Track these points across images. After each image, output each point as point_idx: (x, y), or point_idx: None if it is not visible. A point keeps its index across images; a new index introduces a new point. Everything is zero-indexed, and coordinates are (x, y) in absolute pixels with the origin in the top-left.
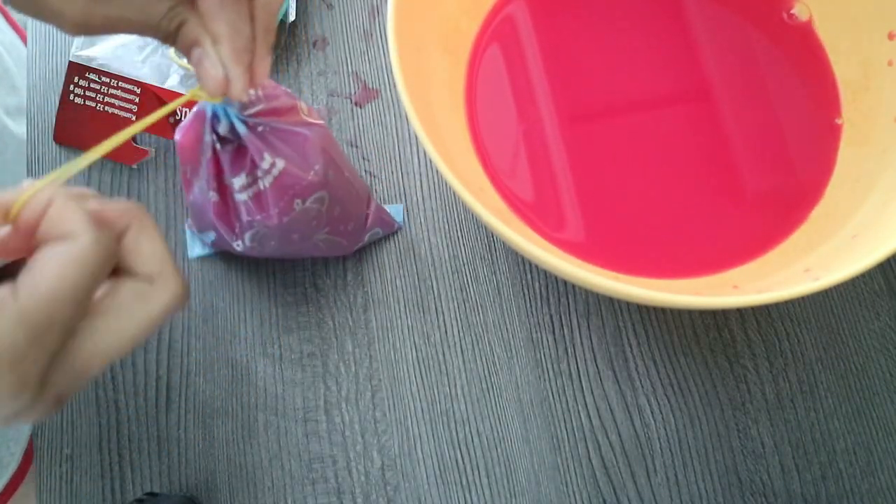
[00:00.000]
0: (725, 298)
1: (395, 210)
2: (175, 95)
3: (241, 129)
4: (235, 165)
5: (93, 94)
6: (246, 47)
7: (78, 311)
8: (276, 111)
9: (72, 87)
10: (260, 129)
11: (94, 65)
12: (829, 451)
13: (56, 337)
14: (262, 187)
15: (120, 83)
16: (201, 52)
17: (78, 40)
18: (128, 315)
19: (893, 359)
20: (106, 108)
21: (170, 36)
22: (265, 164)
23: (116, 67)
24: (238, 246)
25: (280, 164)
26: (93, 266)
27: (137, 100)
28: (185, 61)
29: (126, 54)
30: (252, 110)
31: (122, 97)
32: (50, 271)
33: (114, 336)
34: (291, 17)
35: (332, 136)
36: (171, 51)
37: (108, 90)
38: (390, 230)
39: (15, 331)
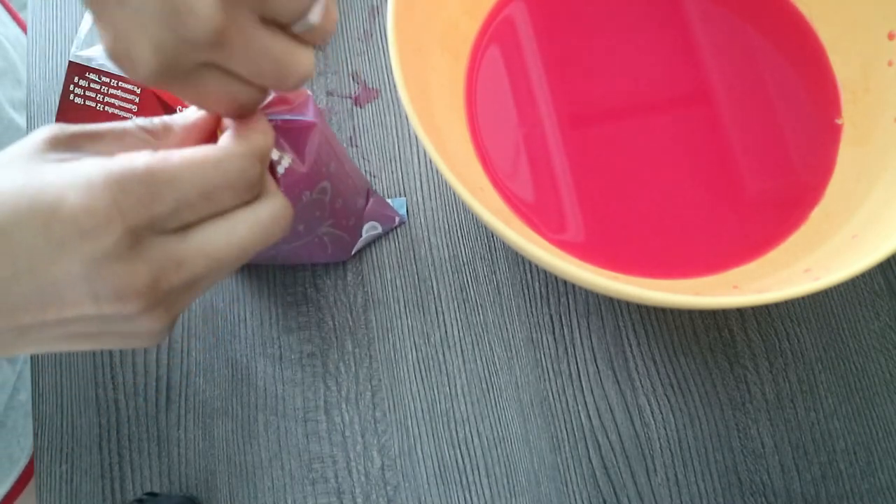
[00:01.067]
0: (725, 298)
1: (399, 203)
2: (172, 97)
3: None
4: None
5: (93, 95)
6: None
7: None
8: (282, 100)
9: (72, 87)
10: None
11: (93, 65)
12: (829, 451)
13: (167, 211)
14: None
15: (120, 83)
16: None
17: (78, 40)
18: (237, 218)
19: (893, 359)
20: (106, 107)
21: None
22: (273, 157)
23: (115, 69)
24: None
25: (287, 160)
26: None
27: (137, 100)
28: None
29: None
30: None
31: (122, 97)
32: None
33: (223, 237)
34: None
35: (330, 128)
36: None
37: (108, 90)
38: (391, 225)
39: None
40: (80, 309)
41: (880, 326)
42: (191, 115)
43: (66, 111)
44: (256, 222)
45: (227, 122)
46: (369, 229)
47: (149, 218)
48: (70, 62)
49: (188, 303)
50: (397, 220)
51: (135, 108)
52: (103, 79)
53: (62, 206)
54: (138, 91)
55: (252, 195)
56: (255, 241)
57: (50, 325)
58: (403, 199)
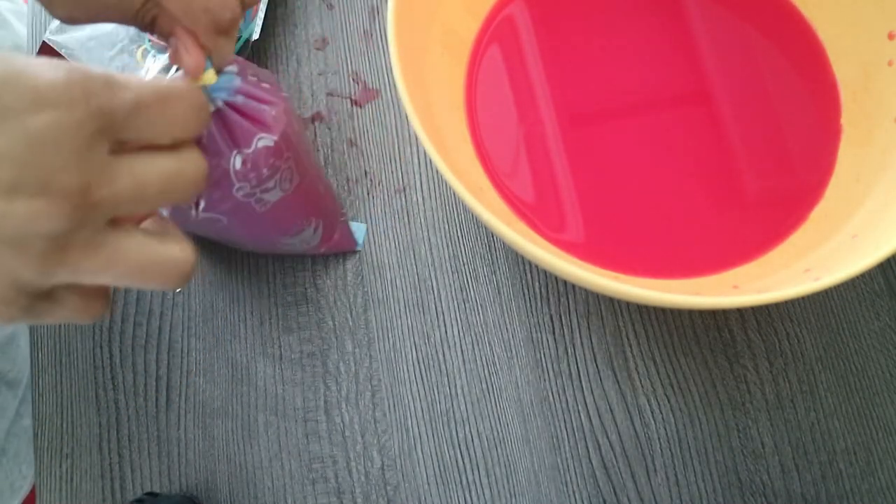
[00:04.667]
0: (725, 298)
1: (358, 229)
2: None
3: (220, 105)
4: (230, 139)
5: None
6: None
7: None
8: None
9: None
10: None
11: (63, 51)
12: (829, 451)
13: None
14: (246, 154)
15: None
16: (175, 41)
17: (53, 23)
18: (165, 155)
19: (893, 359)
20: None
21: (146, 26)
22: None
23: (84, 59)
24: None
25: (267, 141)
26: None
27: None
28: (149, 63)
29: (97, 47)
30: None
31: None
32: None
33: (150, 166)
34: (255, 36)
35: (294, 115)
36: (139, 52)
37: None
38: (349, 249)
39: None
40: None
41: (880, 326)
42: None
43: None
44: (181, 164)
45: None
46: (331, 249)
47: (110, 109)
48: (43, 42)
49: (95, 260)
50: (354, 247)
51: None
52: None
53: (27, 70)
54: None
55: (197, 123)
56: (176, 183)
57: None
58: (364, 225)
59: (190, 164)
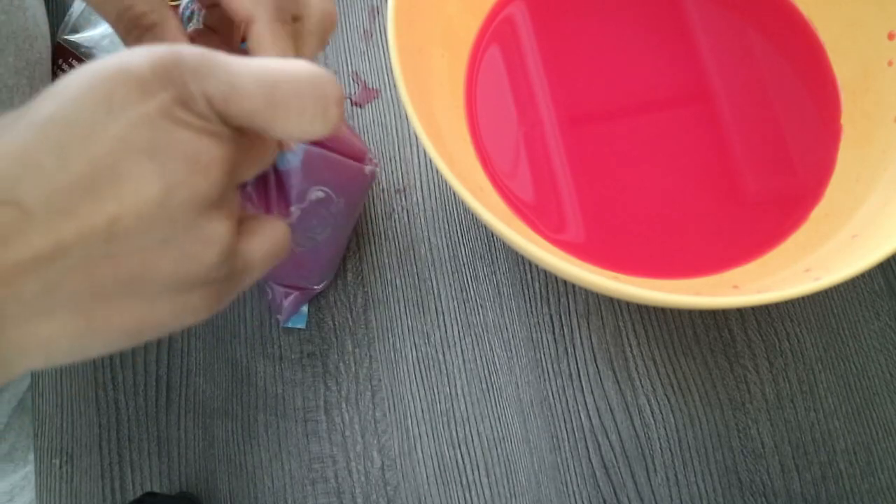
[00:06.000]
0: (725, 298)
1: (299, 317)
2: None
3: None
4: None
5: None
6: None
7: None
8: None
9: (55, 68)
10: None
11: (79, 51)
12: (829, 451)
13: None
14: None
15: None
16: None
17: (66, 24)
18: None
19: (893, 359)
20: None
21: (140, 28)
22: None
23: (99, 58)
24: None
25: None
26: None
27: None
28: None
29: (111, 45)
30: None
31: None
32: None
33: (265, 245)
34: None
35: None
36: None
37: None
38: (273, 309)
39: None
40: (141, 189)
41: (880, 326)
42: None
43: None
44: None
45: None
46: (269, 284)
47: (187, 92)
48: (57, 44)
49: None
50: (277, 316)
51: None
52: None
53: (128, 65)
54: None
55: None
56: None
57: (97, 239)
58: (304, 319)
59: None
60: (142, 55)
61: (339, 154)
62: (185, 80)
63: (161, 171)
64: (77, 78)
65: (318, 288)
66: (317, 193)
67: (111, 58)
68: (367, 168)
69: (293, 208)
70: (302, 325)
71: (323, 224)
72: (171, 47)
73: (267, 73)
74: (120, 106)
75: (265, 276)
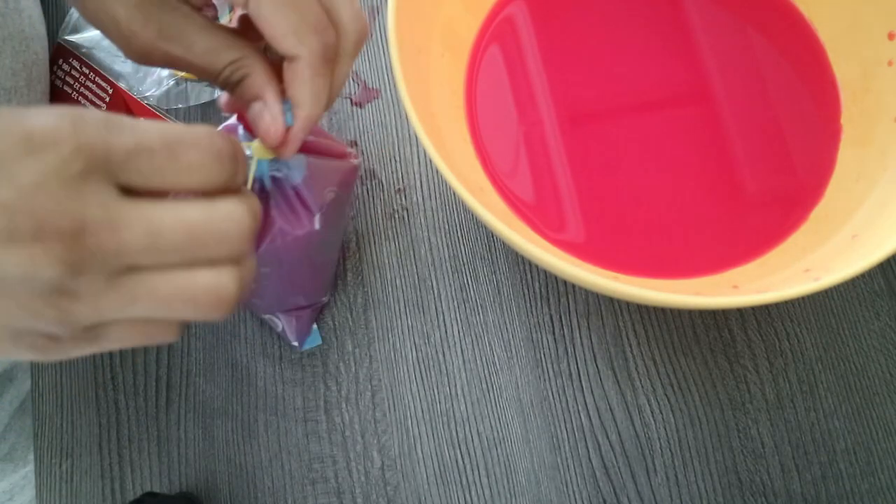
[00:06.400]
0: (725, 298)
1: (313, 338)
2: (143, 108)
3: (267, 183)
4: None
5: (71, 81)
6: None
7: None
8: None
9: (55, 68)
10: (266, 189)
11: (80, 52)
12: (829, 451)
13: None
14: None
15: (97, 78)
16: (262, 106)
17: (67, 24)
18: (191, 202)
19: (893, 359)
20: (80, 98)
21: (230, 85)
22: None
23: (99, 58)
24: None
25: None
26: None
27: (108, 99)
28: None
29: (112, 45)
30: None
31: (95, 92)
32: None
33: (170, 212)
34: None
35: (317, 242)
36: None
37: (84, 80)
38: (286, 338)
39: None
40: None
41: (880, 326)
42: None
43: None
44: (210, 215)
45: None
46: (274, 317)
47: (104, 148)
48: (57, 44)
49: (112, 304)
50: (293, 343)
51: (104, 105)
52: (83, 69)
53: (23, 119)
54: (110, 91)
55: (220, 173)
56: (205, 233)
57: None
58: (320, 340)
59: (223, 214)
60: (44, 111)
61: (327, 156)
62: (90, 131)
63: (14, 247)
64: None
65: (325, 300)
66: (328, 195)
67: (11, 112)
68: (354, 161)
69: (317, 216)
70: (318, 343)
71: (334, 224)
72: (75, 109)
73: (170, 130)
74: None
75: (268, 309)
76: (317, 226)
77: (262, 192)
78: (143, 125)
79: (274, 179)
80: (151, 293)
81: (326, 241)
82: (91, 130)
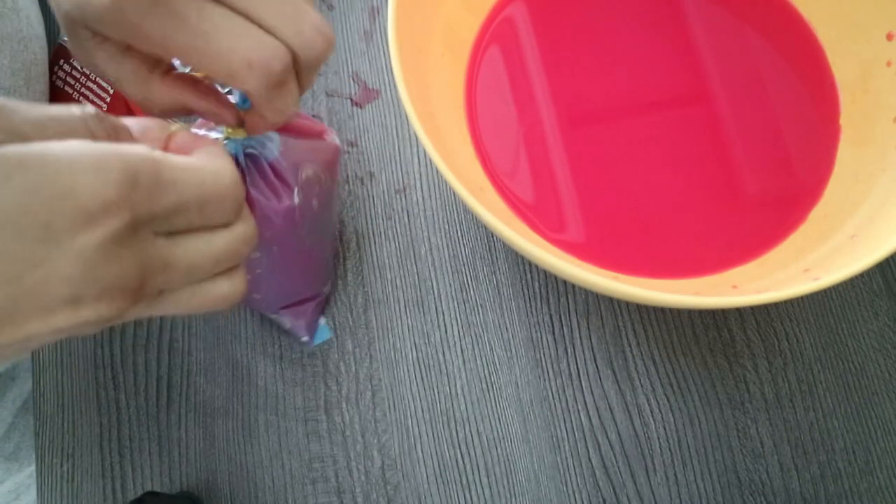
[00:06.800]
0: (725, 298)
1: (323, 332)
2: (139, 107)
3: (241, 160)
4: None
5: (72, 82)
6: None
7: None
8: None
9: (56, 68)
10: (241, 165)
11: None
12: (828, 451)
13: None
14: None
15: (97, 79)
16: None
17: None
18: (216, 233)
19: (892, 358)
20: (81, 98)
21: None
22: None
23: None
24: None
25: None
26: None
27: (108, 100)
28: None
29: None
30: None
31: (96, 93)
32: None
33: (203, 246)
34: None
35: (302, 219)
36: None
37: (85, 81)
38: (295, 335)
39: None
40: (51, 320)
41: (879, 326)
42: (145, 123)
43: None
44: (232, 239)
45: (182, 139)
46: (279, 319)
47: (150, 213)
48: (58, 44)
49: (152, 306)
50: (303, 339)
51: (104, 105)
52: (84, 70)
53: (74, 189)
54: (111, 92)
55: (235, 214)
56: (227, 257)
57: (12, 347)
58: (331, 333)
59: (240, 237)
60: (92, 176)
61: (304, 135)
62: (141, 199)
63: (82, 310)
64: (16, 191)
65: (326, 290)
66: (306, 172)
67: (58, 168)
68: (333, 139)
69: (296, 190)
70: (329, 335)
71: (322, 207)
72: (127, 161)
73: (204, 186)
74: (57, 237)
75: (272, 306)
76: (296, 200)
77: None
78: (183, 178)
79: (249, 156)
80: (180, 303)
81: (316, 224)
82: (142, 198)
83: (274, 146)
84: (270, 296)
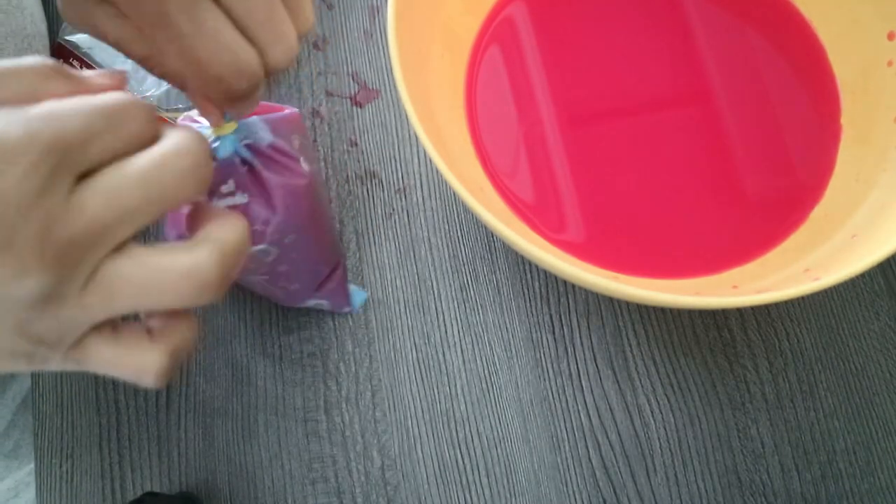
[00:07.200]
0: (725, 298)
1: (358, 295)
2: None
3: (244, 153)
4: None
5: None
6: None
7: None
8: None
9: None
10: (247, 157)
11: (80, 51)
12: (828, 451)
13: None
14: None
15: None
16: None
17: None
18: (136, 155)
19: (893, 359)
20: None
21: (157, 76)
22: (224, 189)
23: (100, 58)
24: None
25: (241, 199)
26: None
27: None
28: None
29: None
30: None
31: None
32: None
33: (121, 171)
34: None
35: (315, 187)
36: None
37: None
38: (338, 310)
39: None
40: None
41: (880, 326)
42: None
43: None
44: (157, 153)
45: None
46: (317, 306)
47: (63, 145)
48: (57, 43)
49: (96, 298)
50: (346, 309)
51: None
52: (83, 69)
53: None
54: None
55: (148, 143)
56: (162, 175)
57: None
58: (365, 293)
59: (169, 150)
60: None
61: (268, 113)
62: (43, 129)
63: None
64: None
65: (341, 259)
66: (295, 141)
67: None
68: (291, 110)
69: (301, 159)
70: (366, 296)
71: (316, 171)
72: (49, 114)
73: (98, 103)
74: None
75: (304, 295)
76: (305, 167)
77: (244, 164)
78: (80, 103)
79: (249, 147)
80: (129, 280)
81: (318, 187)
82: (43, 127)
83: (264, 130)
84: (306, 279)
